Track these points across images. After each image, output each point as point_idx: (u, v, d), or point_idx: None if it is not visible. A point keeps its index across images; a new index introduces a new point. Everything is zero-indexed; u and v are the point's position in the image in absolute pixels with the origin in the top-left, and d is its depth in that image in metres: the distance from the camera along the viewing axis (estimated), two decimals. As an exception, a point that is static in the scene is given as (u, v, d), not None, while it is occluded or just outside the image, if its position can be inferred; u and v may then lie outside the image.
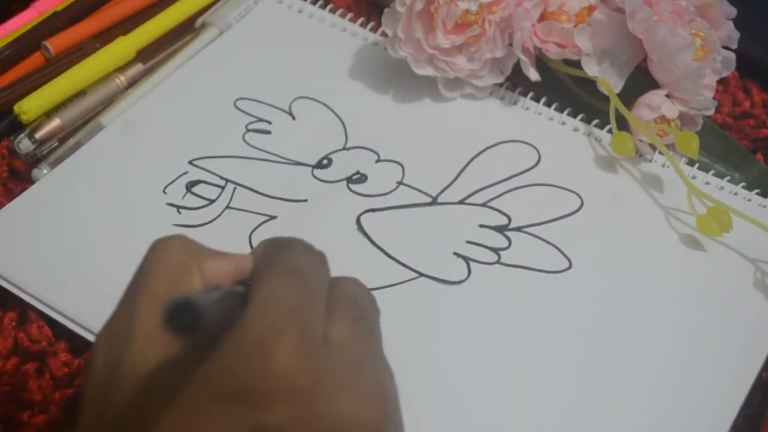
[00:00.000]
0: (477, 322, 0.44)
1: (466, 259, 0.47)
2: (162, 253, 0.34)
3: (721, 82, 0.55)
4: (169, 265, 0.33)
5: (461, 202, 0.49)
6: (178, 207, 0.49)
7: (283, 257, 0.33)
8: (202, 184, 0.50)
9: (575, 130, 0.53)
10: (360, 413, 0.30)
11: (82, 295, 0.45)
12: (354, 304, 0.34)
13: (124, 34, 0.56)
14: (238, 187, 0.50)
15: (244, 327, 0.30)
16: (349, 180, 0.50)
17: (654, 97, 0.50)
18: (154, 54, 0.56)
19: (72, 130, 0.52)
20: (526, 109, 0.54)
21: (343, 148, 0.52)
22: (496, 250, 0.47)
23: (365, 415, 0.30)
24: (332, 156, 0.51)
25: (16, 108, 0.52)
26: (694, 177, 0.51)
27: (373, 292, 0.35)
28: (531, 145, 0.52)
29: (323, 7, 0.59)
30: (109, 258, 0.46)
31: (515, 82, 0.54)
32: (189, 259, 0.34)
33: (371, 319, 0.34)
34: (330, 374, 0.30)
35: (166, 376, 0.31)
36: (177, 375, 0.30)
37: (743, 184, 0.51)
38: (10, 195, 0.50)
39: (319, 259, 0.35)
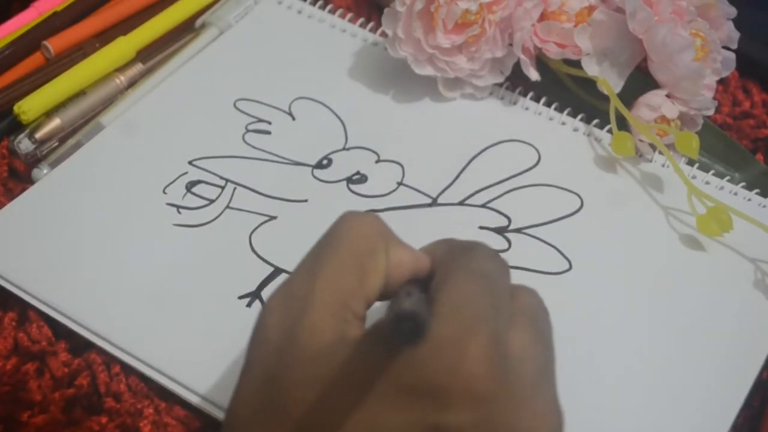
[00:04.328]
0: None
1: (466, 259, 0.47)
2: (354, 225, 0.33)
3: (721, 82, 0.55)
4: (360, 239, 0.33)
5: (461, 203, 0.49)
6: (178, 207, 0.49)
7: (470, 261, 0.33)
8: (202, 184, 0.50)
9: (575, 130, 0.53)
10: (536, 429, 0.30)
11: (82, 295, 0.45)
12: (534, 317, 0.33)
13: (124, 34, 0.56)
14: (238, 187, 0.50)
15: (437, 325, 0.29)
16: (349, 180, 0.50)
17: (654, 97, 0.50)
18: (154, 54, 0.56)
19: (72, 130, 0.52)
20: (526, 109, 0.54)
21: (343, 149, 0.52)
22: (496, 251, 0.47)
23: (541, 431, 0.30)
24: (332, 156, 0.51)
25: (16, 108, 0.51)
26: (694, 177, 0.51)
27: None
28: (531, 145, 0.52)
29: (323, 7, 0.59)
30: (109, 258, 0.46)
31: (515, 82, 0.54)
32: (379, 239, 0.33)
33: (548, 335, 0.34)
34: (514, 384, 0.29)
35: (347, 357, 0.30)
36: (359, 360, 0.30)
37: (743, 184, 0.51)
38: (10, 195, 0.50)
39: (504, 266, 0.34)
